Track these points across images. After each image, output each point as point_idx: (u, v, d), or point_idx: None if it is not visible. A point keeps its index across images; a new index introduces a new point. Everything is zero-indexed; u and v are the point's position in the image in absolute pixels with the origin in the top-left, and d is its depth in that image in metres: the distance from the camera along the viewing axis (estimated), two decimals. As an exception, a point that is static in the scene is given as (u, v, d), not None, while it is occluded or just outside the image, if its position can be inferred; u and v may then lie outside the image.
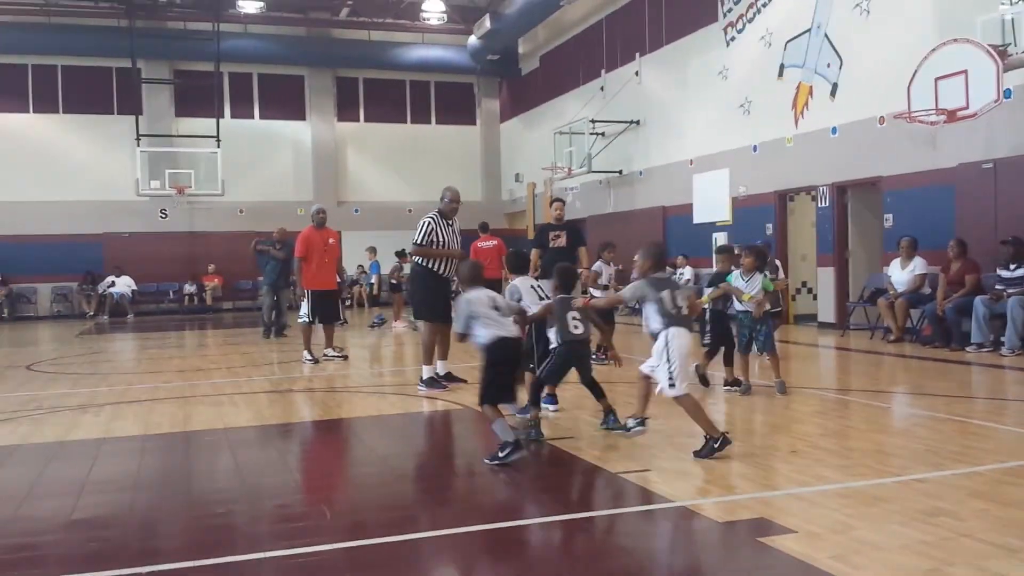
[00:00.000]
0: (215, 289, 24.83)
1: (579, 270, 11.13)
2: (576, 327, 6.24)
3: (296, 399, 8.60)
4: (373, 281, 19.55)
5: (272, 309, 14.98)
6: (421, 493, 5.13)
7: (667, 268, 5.96)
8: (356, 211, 26.22)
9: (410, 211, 25.15)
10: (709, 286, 7.95)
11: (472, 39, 25.09)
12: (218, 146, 23.23)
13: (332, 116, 26.69)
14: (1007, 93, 10.44)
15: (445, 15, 24.62)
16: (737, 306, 7.90)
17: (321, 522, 4.37)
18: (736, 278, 7.84)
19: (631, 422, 6.02)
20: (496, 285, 14.87)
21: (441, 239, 8.56)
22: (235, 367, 11.16)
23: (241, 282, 25.10)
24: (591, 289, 10.59)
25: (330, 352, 11.31)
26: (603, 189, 21.23)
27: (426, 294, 8.70)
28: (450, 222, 8.70)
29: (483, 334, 5.59)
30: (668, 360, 5.47)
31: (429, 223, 8.57)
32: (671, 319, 5.49)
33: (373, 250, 19.03)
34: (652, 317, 5.57)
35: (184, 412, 7.64)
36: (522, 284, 6.88)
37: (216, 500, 4.88)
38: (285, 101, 26.30)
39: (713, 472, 5.15)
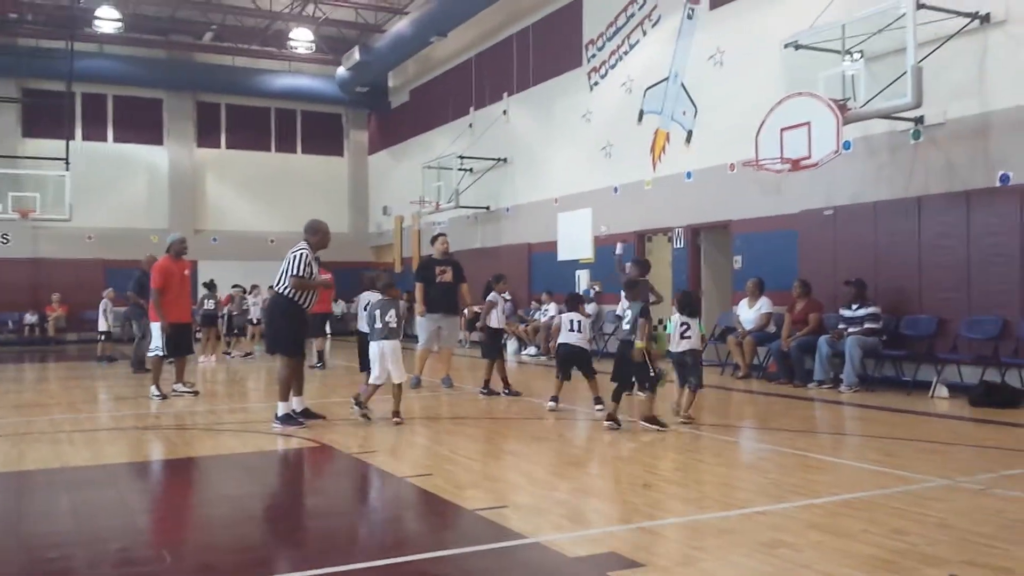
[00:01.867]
0: (59, 319, 23.42)
1: (464, 308, 11.32)
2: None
3: (141, 437, 8.17)
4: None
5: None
6: (271, 535, 4.96)
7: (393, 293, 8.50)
8: (214, 240, 25.39)
9: (272, 241, 24.59)
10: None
11: (341, 70, 24.92)
12: (67, 169, 22.02)
13: (191, 141, 25.86)
14: (847, 145, 11.19)
15: (313, 45, 24.37)
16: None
17: (162, 567, 4.15)
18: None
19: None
20: (327, 318, 14.97)
21: (313, 272, 8.37)
22: (76, 402, 10.54)
23: (87, 312, 23.70)
24: (489, 319, 10.64)
25: (180, 387, 10.83)
26: (471, 224, 21.39)
27: (289, 328, 8.44)
28: (316, 255, 8.51)
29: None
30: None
31: (305, 255, 8.30)
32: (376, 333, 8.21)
33: None
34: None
35: (18, 450, 7.14)
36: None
37: (50, 544, 4.56)
38: (141, 124, 25.30)
39: (568, 507, 5.21)
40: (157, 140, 25.51)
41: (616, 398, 7.93)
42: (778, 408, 9.49)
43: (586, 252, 17.29)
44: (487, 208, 20.66)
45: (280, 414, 8.25)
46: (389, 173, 26.55)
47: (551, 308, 17.23)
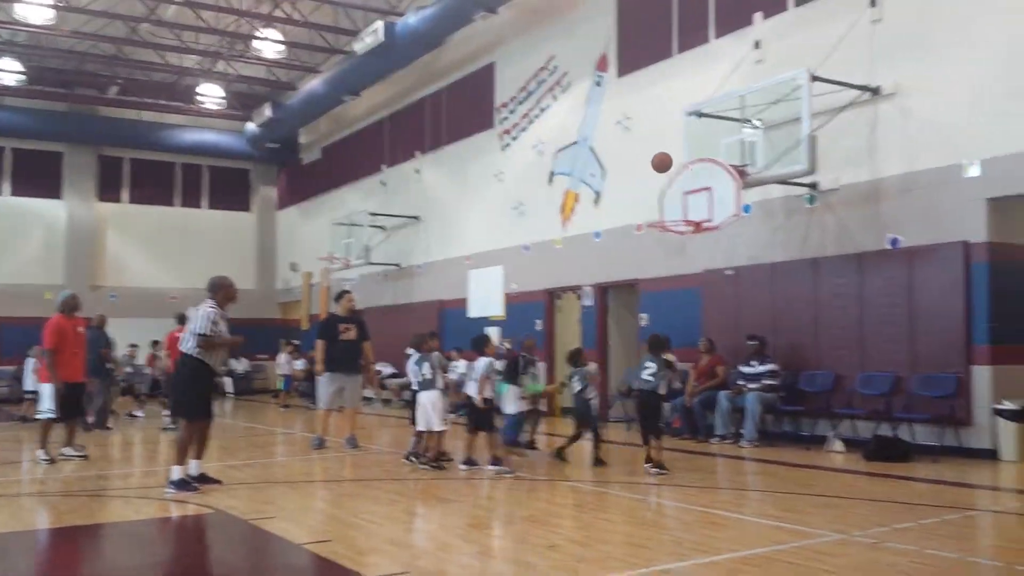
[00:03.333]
0: (-57, 379, 22.17)
1: (367, 366, 11.10)
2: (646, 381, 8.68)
3: (24, 504, 7.73)
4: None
5: (107, 401, 14.58)
6: (159, 607, 4.72)
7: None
8: (113, 297, 24.52)
9: (174, 298, 23.87)
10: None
11: (251, 126, 24.68)
12: (-42, 223, 21.11)
13: (92, 196, 25.07)
14: (746, 208, 11.58)
15: (223, 100, 24.11)
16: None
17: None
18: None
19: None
20: None
21: (221, 330, 8.07)
22: (-44, 468, 9.93)
23: (-26, 372, 22.60)
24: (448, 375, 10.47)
25: (69, 451, 10.29)
26: (381, 282, 21.24)
27: (197, 390, 8.13)
28: (223, 313, 8.22)
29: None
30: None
31: (210, 313, 8.01)
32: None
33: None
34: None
35: None
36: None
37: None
38: (40, 178, 24.44)
39: (473, 571, 5.12)
40: (56, 194, 24.69)
41: (648, 441, 8.70)
42: (682, 464, 9.57)
43: (497, 309, 17.34)
44: (398, 265, 20.58)
45: (174, 478, 7.90)
46: (298, 229, 26.25)
47: (460, 365, 17.10)
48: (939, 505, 6.93)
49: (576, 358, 9.84)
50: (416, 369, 9.14)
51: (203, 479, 8.11)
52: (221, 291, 8.24)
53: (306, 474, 8.97)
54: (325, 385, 11.04)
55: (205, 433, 8.23)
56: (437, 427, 8.91)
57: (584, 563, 5.24)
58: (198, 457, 8.17)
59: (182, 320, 14.75)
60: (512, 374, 9.67)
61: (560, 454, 9.53)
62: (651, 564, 5.11)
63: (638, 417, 9.08)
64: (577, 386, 9.48)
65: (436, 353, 9.25)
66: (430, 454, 9.02)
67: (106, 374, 14.41)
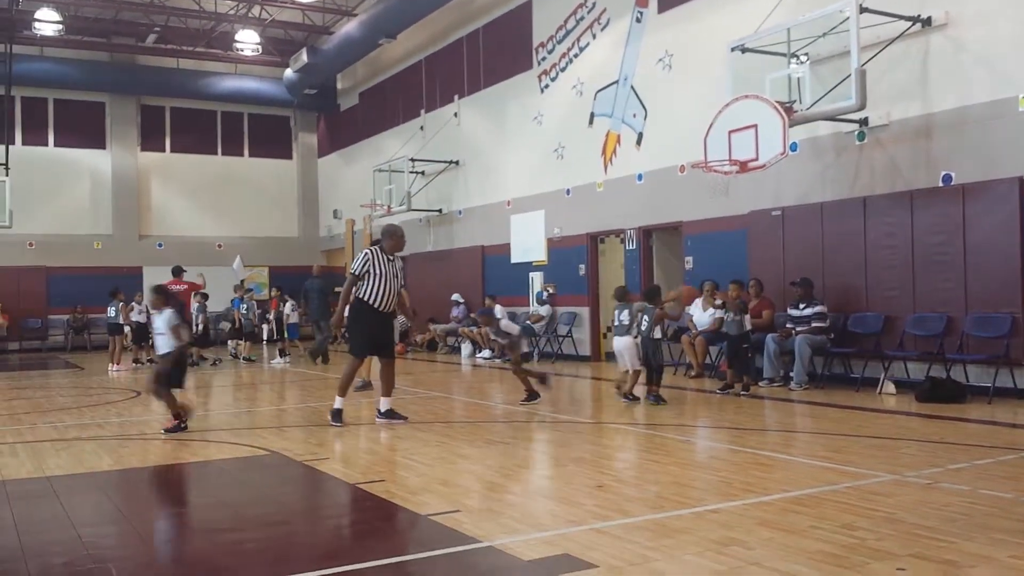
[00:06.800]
0: (0, 328, 22.80)
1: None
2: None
3: (84, 448, 7.95)
4: None
5: (326, 339, 16.07)
6: (222, 546, 4.84)
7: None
8: (160, 245, 24.92)
9: (220, 246, 24.25)
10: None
11: (288, 72, 24.61)
12: (7, 174, 21.42)
13: (135, 145, 25.32)
14: (793, 147, 11.33)
15: (260, 47, 24.05)
16: None
17: (104, 582, 4.03)
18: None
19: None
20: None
21: (379, 271, 8.51)
22: (17, 413, 10.23)
23: (30, 320, 23.19)
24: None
25: None
26: (423, 228, 21.28)
27: (357, 330, 8.73)
28: (391, 258, 8.69)
29: None
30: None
31: (367, 255, 8.55)
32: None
33: None
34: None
35: (-47, 465, 6.90)
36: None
37: (-15, 562, 4.40)
38: (84, 128, 24.73)
39: (521, 510, 5.18)
40: (100, 144, 24.96)
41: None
42: (730, 406, 9.57)
43: (540, 254, 17.30)
44: (439, 211, 20.58)
45: (335, 407, 8.64)
46: (339, 176, 26.32)
47: (498, 311, 17.11)
48: (994, 446, 6.84)
49: (623, 295, 10.10)
50: (616, 316, 9.82)
51: (391, 414, 8.67)
52: (389, 238, 8.80)
53: (354, 417, 9.10)
54: None
55: (390, 371, 8.80)
56: (629, 367, 9.62)
57: (632, 502, 5.27)
58: (387, 395, 8.75)
59: (176, 272, 16.45)
60: None
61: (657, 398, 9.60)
62: (701, 504, 5.12)
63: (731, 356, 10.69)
64: (644, 324, 9.71)
65: (636, 303, 9.84)
66: (625, 389, 9.72)
67: (328, 317, 15.37)
